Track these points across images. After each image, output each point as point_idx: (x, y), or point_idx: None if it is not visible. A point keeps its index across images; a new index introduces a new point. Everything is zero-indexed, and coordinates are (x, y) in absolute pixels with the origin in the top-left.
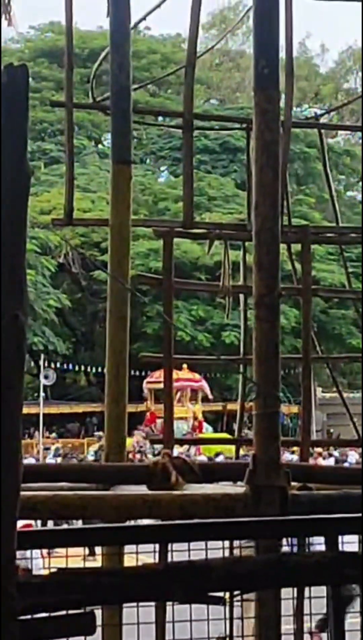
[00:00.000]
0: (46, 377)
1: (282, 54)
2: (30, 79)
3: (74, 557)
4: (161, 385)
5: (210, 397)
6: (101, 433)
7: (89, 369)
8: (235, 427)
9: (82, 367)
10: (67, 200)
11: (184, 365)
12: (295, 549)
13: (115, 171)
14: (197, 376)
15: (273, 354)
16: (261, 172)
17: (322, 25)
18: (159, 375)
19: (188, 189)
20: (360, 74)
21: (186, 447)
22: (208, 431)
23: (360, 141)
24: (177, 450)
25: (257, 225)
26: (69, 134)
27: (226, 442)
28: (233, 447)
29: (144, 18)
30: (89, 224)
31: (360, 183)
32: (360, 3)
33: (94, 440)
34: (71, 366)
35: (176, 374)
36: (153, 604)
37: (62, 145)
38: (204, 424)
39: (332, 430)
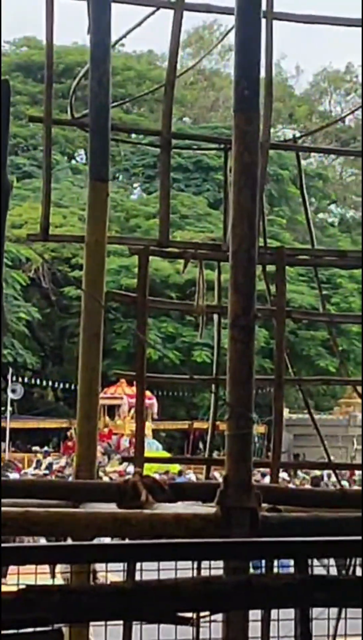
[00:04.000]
0: (13, 391)
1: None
2: None
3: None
4: (114, 402)
5: (155, 416)
6: (37, 448)
7: (56, 385)
8: (201, 445)
9: (50, 383)
10: (43, 216)
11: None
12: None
13: (92, 188)
14: (149, 393)
15: (247, 375)
16: (239, 194)
17: (297, 46)
18: (114, 391)
19: (164, 208)
20: (334, 96)
21: (125, 464)
22: (159, 449)
23: (333, 164)
24: (114, 468)
25: (234, 246)
26: (47, 150)
27: (195, 462)
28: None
29: (124, 36)
30: (65, 241)
31: (333, 206)
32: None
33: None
34: (38, 381)
35: (130, 389)
36: (120, 622)
37: (35, 160)
38: (156, 442)
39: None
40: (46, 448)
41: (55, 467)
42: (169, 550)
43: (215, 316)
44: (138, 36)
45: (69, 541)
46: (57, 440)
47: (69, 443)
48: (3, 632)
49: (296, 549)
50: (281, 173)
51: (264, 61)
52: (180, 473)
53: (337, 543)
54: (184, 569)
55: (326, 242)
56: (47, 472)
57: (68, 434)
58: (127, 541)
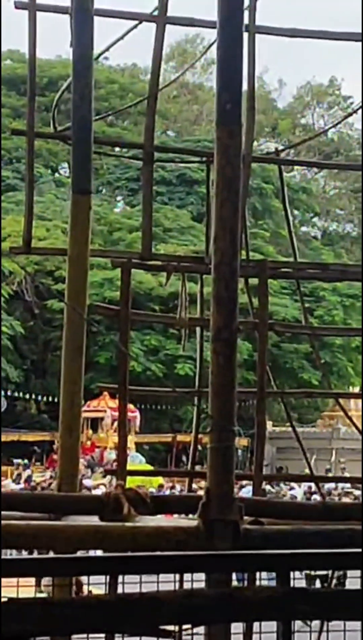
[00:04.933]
0: None
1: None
2: None
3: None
4: (97, 415)
5: (136, 430)
6: (19, 461)
7: (40, 398)
8: (184, 458)
9: (33, 395)
10: (26, 228)
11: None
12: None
13: (74, 201)
14: (131, 407)
15: (230, 388)
16: (221, 207)
17: (280, 60)
18: (97, 404)
19: (147, 221)
20: (317, 109)
21: (108, 477)
22: (142, 462)
23: (316, 177)
24: (97, 481)
25: (216, 259)
26: (29, 163)
27: (178, 475)
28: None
29: (107, 49)
30: (47, 254)
31: (316, 219)
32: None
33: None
34: (21, 394)
35: (113, 402)
36: (102, 635)
37: (18, 172)
38: (139, 455)
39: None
40: (25, 461)
41: (38, 479)
42: (151, 563)
43: (198, 329)
44: (122, 49)
45: (51, 554)
46: (40, 453)
47: (54, 456)
48: None
49: (278, 561)
50: (264, 187)
51: (246, 74)
52: (161, 486)
53: (319, 556)
54: (167, 582)
55: (309, 255)
56: (22, 485)
57: (54, 447)
58: (109, 554)
